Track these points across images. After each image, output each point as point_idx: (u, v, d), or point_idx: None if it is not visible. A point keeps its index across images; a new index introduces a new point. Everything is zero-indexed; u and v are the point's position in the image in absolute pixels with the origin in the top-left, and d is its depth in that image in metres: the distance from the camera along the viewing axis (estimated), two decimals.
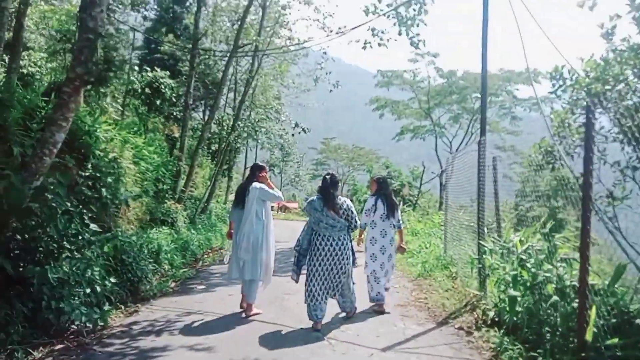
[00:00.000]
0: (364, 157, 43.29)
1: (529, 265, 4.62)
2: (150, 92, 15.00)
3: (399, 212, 6.58)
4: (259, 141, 21.83)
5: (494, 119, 26.05)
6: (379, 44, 11.82)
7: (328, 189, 5.41)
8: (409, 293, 7.37)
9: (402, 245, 6.54)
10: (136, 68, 15.29)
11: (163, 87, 15.19)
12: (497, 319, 5.05)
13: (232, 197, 20.48)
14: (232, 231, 6.25)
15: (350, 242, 5.55)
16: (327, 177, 5.50)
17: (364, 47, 12.18)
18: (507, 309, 4.66)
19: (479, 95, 25.10)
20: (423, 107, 27.29)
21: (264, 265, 5.87)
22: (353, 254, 5.56)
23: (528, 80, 22.94)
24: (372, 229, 6.33)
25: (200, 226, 12.40)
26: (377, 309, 6.15)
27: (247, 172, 8.15)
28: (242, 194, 6.04)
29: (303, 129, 16.82)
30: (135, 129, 10.89)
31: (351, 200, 5.73)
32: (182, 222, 11.00)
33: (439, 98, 27.00)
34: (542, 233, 4.76)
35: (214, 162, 16.71)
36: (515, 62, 32.76)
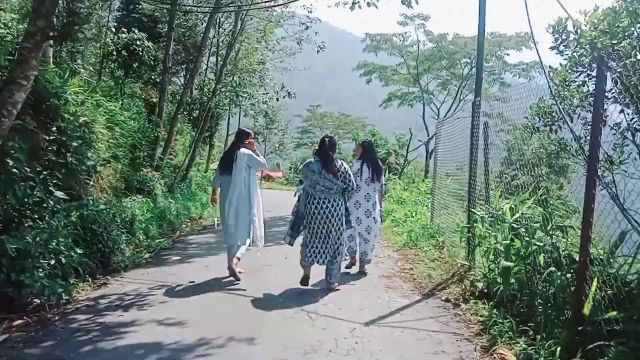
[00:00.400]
0: (350, 125, 42.91)
1: (522, 233, 4.35)
2: (127, 54, 14.28)
3: (383, 177, 6.65)
4: (242, 107, 21.15)
5: (483, 85, 25.60)
6: (368, 4, 11.23)
7: (327, 151, 5.41)
8: (393, 263, 7.14)
9: (379, 208, 6.60)
10: (112, 30, 14.49)
11: (140, 49, 14.46)
12: (485, 291, 4.82)
13: (213, 165, 20.03)
14: (216, 197, 6.16)
15: (345, 204, 5.52)
16: (325, 139, 5.53)
17: (352, 8, 11.56)
18: (498, 280, 4.41)
19: (469, 61, 24.79)
20: (412, 73, 26.65)
21: (255, 230, 5.91)
22: (348, 214, 5.58)
23: (518, 45, 22.45)
24: (357, 192, 6.32)
25: (179, 195, 11.98)
26: (360, 269, 6.40)
27: (230, 139, 7.88)
28: (229, 159, 5.90)
29: (289, 93, 16.27)
30: (112, 93, 10.31)
31: None
32: (160, 191, 10.55)
33: (428, 63, 26.33)
34: (538, 200, 4.48)
35: (195, 129, 16.17)
36: (505, 26, 32.15)
